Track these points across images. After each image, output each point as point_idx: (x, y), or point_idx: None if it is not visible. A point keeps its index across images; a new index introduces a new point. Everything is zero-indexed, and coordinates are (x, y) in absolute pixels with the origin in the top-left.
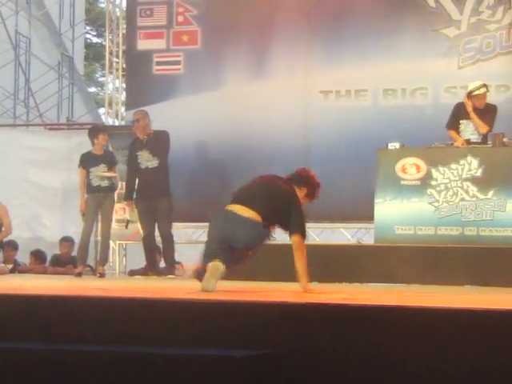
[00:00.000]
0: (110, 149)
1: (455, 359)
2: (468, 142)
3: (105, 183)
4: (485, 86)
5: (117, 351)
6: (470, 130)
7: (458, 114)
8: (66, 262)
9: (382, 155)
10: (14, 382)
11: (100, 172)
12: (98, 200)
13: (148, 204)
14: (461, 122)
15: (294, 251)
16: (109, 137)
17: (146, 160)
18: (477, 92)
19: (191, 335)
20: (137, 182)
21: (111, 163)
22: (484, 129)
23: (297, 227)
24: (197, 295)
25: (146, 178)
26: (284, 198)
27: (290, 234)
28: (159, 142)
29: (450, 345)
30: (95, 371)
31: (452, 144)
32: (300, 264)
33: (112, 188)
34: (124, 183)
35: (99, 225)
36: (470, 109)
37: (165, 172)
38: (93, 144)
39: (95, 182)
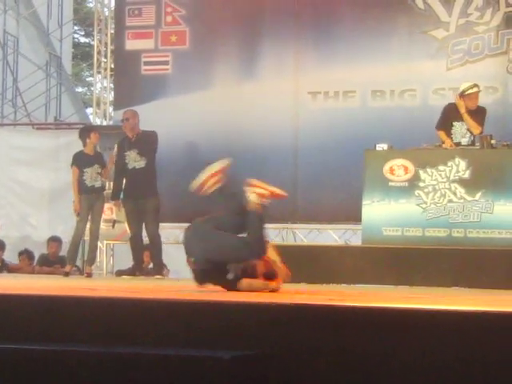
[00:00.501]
0: (98, 149)
1: (442, 360)
2: (458, 144)
3: (98, 183)
4: (476, 85)
5: (103, 351)
6: (462, 132)
7: (449, 115)
8: (53, 261)
9: (369, 156)
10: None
11: (95, 172)
12: (91, 200)
13: (135, 204)
14: (454, 124)
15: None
16: None
17: (134, 160)
18: (469, 91)
19: (178, 335)
20: (124, 182)
21: (103, 163)
22: (477, 130)
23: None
24: (184, 295)
25: (134, 178)
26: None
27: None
28: (147, 142)
29: (436, 346)
30: (81, 371)
31: (440, 145)
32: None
33: (103, 188)
34: (111, 183)
35: (88, 224)
36: (463, 110)
37: (152, 172)
38: (84, 144)
39: (89, 183)
